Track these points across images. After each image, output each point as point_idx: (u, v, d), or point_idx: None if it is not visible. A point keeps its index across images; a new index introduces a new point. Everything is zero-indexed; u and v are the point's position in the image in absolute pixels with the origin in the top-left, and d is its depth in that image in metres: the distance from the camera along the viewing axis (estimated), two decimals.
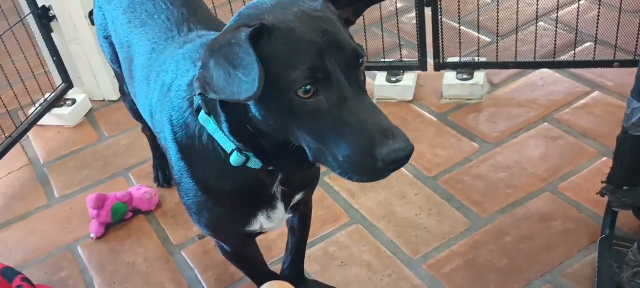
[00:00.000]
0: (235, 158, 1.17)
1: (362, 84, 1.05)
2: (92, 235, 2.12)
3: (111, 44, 1.80)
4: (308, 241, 1.80)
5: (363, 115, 1.00)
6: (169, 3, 1.59)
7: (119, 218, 2.15)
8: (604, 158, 2.06)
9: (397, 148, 0.98)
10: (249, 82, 0.94)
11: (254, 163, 1.19)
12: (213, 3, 2.70)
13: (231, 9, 2.67)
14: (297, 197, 1.41)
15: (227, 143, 1.17)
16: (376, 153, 0.98)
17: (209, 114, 1.17)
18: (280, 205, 1.34)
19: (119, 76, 1.94)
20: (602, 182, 1.75)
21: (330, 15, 1.05)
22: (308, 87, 0.99)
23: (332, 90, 1.00)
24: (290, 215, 1.64)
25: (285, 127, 1.06)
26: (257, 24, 0.99)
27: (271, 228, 1.40)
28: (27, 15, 2.64)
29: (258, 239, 1.58)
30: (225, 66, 0.96)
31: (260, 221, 1.34)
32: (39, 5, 2.62)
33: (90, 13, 2.55)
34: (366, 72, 2.66)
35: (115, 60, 1.83)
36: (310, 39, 1.00)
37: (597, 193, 1.76)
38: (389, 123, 1.01)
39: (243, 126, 1.12)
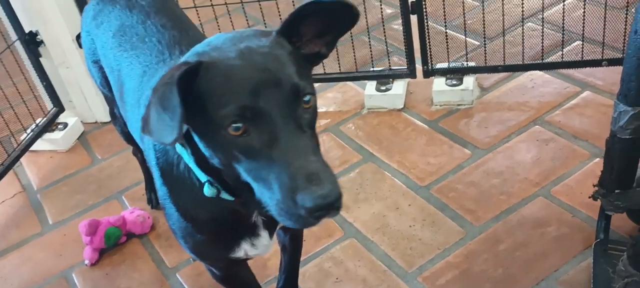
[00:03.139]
0: (207, 190, 1.17)
1: (302, 122, 1.01)
2: (86, 261, 2.12)
3: (101, 69, 1.79)
4: (303, 258, 1.80)
5: (291, 157, 0.96)
6: (160, 26, 1.59)
7: (113, 243, 2.14)
8: (597, 159, 2.06)
9: (318, 196, 0.93)
10: (172, 126, 0.93)
11: (226, 195, 1.18)
12: (199, 20, 2.69)
13: (218, 25, 2.67)
14: None
15: (201, 174, 1.17)
16: (298, 200, 0.95)
17: (182, 144, 1.17)
18: (264, 233, 1.33)
19: (110, 100, 1.93)
20: (594, 186, 1.74)
21: (277, 51, 1.03)
22: (238, 124, 0.97)
23: (264, 130, 0.98)
24: (280, 236, 1.64)
25: (228, 164, 1.05)
26: (193, 62, 0.99)
27: (258, 254, 1.39)
28: (14, 42, 2.64)
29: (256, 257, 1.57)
30: (157, 107, 0.96)
31: (245, 249, 1.33)
32: (26, 30, 2.62)
33: (78, 36, 2.54)
34: (356, 82, 2.67)
35: (105, 84, 1.82)
36: (244, 76, 0.98)
37: (589, 197, 1.75)
38: (319, 166, 0.96)
39: (206, 160, 1.11)
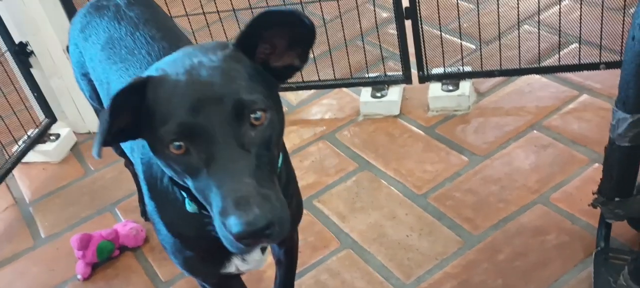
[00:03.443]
0: (189, 205, 1.14)
1: (246, 140, 0.96)
2: (79, 276, 2.08)
3: (90, 82, 1.76)
4: (299, 270, 1.76)
5: (224, 178, 0.93)
6: (150, 38, 1.56)
7: (106, 257, 2.11)
8: (596, 165, 2.02)
9: (243, 222, 0.89)
10: (99, 142, 0.93)
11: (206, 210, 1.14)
12: (191, 28, 2.66)
13: (210, 33, 2.63)
14: None
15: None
16: (225, 224, 0.91)
17: None
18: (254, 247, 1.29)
19: (100, 112, 1.91)
20: (593, 194, 1.71)
21: (228, 65, 0.99)
22: (177, 143, 0.94)
23: (202, 148, 0.94)
24: (275, 250, 1.61)
25: (181, 181, 1.02)
26: (142, 78, 0.98)
27: (250, 269, 1.35)
28: (4, 53, 2.60)
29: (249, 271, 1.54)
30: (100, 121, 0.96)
31: (236, 264, 1.30)
32: (16, 41, 2.58)
33: (68, 47, 2.51)
34: (351, 89, 2.64)
35: (94, 97, 1.79)
36: (186, 92, 0.95)
37: (589, 205, 1.72)
38: (250, 190, 0.92)
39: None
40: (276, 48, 1.05)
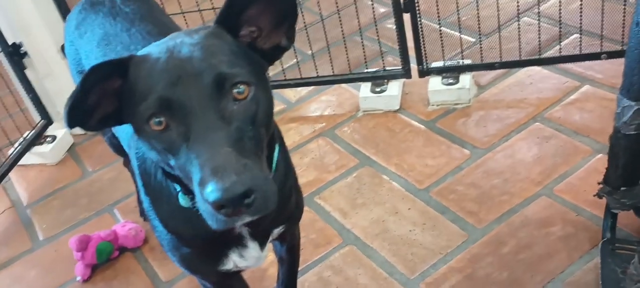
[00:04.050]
0: (182, 200, 1.12)
1: (227, 114, 0.94)
2: (78, 278, 2.06)
3: None
4: (301, 267, 1.74)
5: (204, 149, 0.91)
6: (146, 33, 1.55)
7: (105, 259, 2.08)
8: (599, 155, 2.00)
9: (218, 188, 0.86)
10: (67, 107, 0.96)
11: None
12: (187, 25, 2.63)
13: None
14: (276, 231, 1.34)
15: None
16: (203, 194, 0.89)
17: None
18: (252, 244, 1.26)
19: None
20: (598, 184, 1.69)
21: (209, 41, 0.98)
22: (157, 119, 0.94)
23: (181, 121, 0.93)
24: (277, 248, 1.59)
25: (166, 164, 1.00)
26: (123, 57, 0.99)
27: (248, 266, 1.33)
28: None
29: (250, 269, 1.51)
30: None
31: (234, 260, 1.27)
32: (10, 42, 2.55)
33: (63, 47, 2.48)
34: (350, 84, 2.61)
35: None
36: (165, 68, 0.95)
37: (594, 196, 1.70)
38: (229, 158, 0.89)
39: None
40: (262, 30, 1.04)
